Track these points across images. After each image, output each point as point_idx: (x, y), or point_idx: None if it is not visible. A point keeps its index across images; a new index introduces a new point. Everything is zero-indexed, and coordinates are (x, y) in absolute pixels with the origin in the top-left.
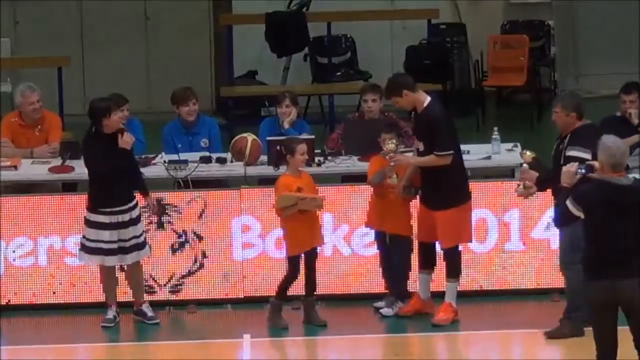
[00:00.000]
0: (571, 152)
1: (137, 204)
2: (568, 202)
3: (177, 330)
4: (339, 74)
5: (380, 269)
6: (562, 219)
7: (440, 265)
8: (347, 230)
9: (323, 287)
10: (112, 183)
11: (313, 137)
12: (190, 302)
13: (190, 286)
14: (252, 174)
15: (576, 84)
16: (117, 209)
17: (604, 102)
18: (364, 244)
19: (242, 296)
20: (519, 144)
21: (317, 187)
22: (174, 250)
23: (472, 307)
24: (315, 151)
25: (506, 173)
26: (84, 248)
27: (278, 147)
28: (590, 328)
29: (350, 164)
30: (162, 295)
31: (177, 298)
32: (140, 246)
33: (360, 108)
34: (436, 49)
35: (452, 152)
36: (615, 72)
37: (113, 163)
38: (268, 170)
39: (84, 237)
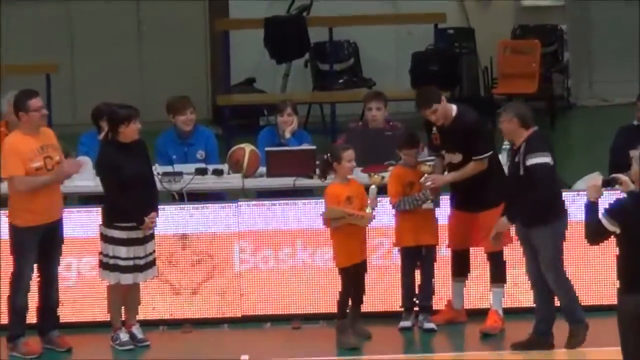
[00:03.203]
0: (532, 161)
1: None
2: (602, 217)
3: (172, 350)
4: (341, 81)
5: (404, 286)
6: (595, 235)
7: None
8: None
9: (324, 304)
10: (126, 196)
11: (314, 147)
12: (186, 321)
13: (186, 305)
14: (250, 187)
15: (590, 91)
16: (133, 224)
17: (620, 109)
18: (376, 256)
19: (240, 315)
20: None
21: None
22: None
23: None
24: (317, 162)
25: None
26: (102, 265)
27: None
28: None
29: (354, 175)
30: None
31: (172, 317)
32: (151, 265)
33: (364, 117)
34: (443, 54)
35: (490, 153)
36: (631, 79)
37: (126, 175)
38: (266, 182)
39: (101, 253)
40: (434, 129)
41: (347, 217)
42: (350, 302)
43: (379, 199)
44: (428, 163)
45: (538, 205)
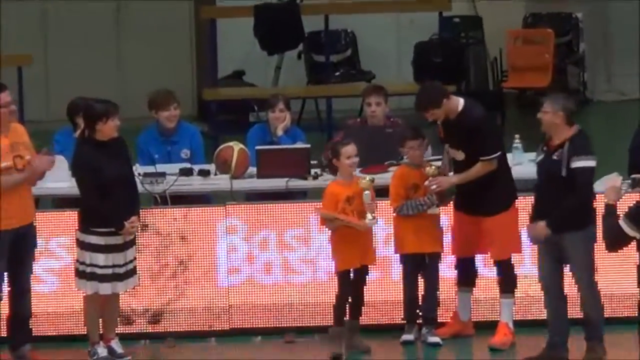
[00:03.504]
0: (577, 163)
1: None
2: (622, 222)
3: None
4: (337, 74)
5: (406, 297)
6: (614, 241)
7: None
8: None
9: (320, 316)
10: (104, 199)
11: (308, 146)
12: (169, 334)
13: (170, 317)
14: (239, 189)
15: (608, 85)
16: (112, 229)
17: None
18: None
19: (228, 328)
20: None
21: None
22: (152, 276)
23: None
24: (311, 162)
25: (529, 188)
26: (78, 273)
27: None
28: None
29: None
30: (140, 326)
31: (154, 330)
32: (131, 273)
33: (363, 113)
34: (449, 45)
35: (499, 154)
36: None
37: (104, 176)
38: (256, 183)
39: (77, 261)
40: (439, 121)
41: (336, 221)
42: (348, 312)
43: (377, 201)
44: (433, 165)
45: (578, 210)
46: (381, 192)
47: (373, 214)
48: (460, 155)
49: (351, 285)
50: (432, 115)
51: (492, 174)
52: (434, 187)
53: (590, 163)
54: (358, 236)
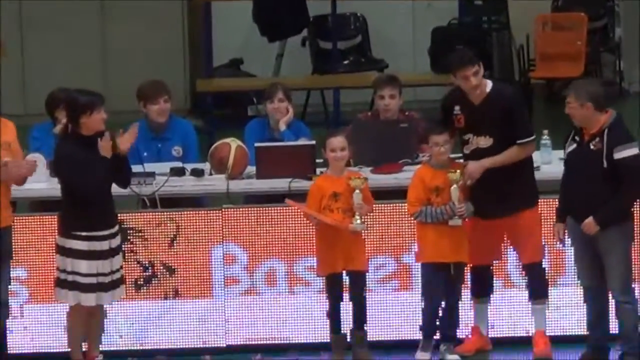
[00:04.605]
0: (622, 154)
1: (119, 231)
2: None
3: None
4: (346, 62)
5: (424, 310)
6: None
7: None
8: None
9: (326, 332)
10: (90, 200)
11: (313, 142)
12: (158, 352)
13: (159, 332)
14: (237, 190)
15: None
16: (96, 233)
17: None
18: (379, 278)
19: (224, 345)
20: None
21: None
22: (138, 287)
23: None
24: (317, 161)
25: (559, 189)
26: (58, 283)
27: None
28: None
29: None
30: (125, 343)
31: (142, 347)
32: (118, 283)
33: (374, 106)
34: (470, 31)
35: (534, 137)
36: None
37: (91, 174)
38: (256, 184)
39: (57, 269)
40: (457, 109)
41: (314, 218)
42: (352, 324)
43: (393, 204)
44: (457, 166)
45: (631, 204)
46: (396, 194)
47: (362, 218)
48: (486, 142)
49: (348, 294)
50: (475, 75)
51: (525, 165)
52: (468, 182)
53: (634, 150)
54: (341, 237)
